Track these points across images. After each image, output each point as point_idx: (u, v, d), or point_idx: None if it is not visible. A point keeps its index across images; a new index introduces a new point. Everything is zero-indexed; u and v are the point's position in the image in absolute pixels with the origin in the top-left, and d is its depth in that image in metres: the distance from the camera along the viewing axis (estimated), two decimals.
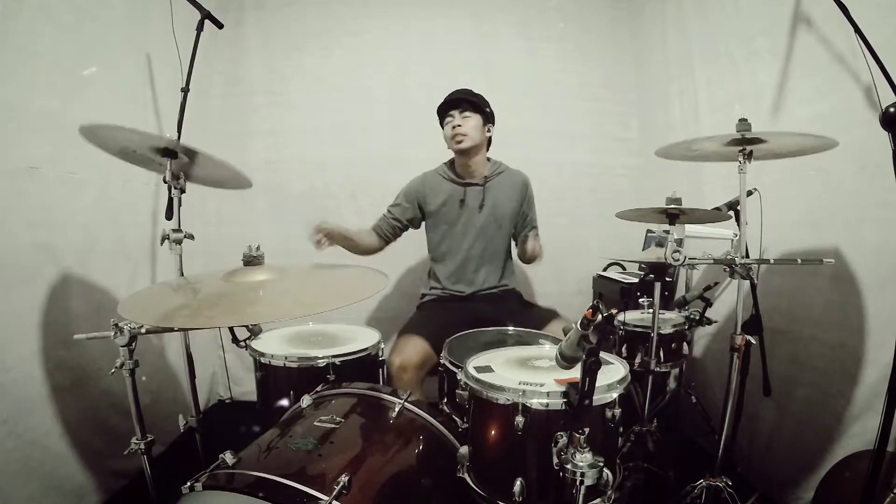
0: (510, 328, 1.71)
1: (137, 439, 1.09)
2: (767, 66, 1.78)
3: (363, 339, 1.66)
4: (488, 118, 1.99)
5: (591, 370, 0.87)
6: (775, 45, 1.73)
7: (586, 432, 0.88)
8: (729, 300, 1.86)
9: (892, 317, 1.38)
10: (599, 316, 0.84)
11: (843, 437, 1.48)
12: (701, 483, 1.51)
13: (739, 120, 1.34)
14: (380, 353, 1.64)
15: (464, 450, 1.16)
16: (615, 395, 1.05)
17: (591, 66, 2.75)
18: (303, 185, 2.63)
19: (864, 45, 1.31)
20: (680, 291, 2.20)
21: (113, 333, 0.99)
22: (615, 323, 1.01)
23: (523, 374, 1.13)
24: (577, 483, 0.87)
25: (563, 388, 0.99)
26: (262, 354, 1.52)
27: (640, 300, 2.01)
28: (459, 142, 1.93)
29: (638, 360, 1.80)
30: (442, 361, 1.47)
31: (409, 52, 2.66)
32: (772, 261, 1.48)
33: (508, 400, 1.02)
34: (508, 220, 2.03)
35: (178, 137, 1.76)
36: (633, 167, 2.78)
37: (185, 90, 1.89)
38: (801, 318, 1.69)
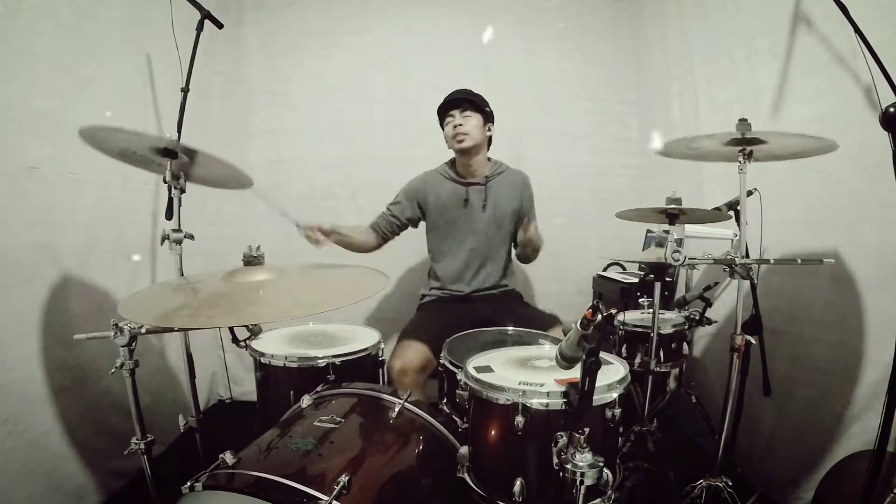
0: (510, 328, 1.71)
1: (137, 439, 1.09)
2: (767, 66, 1.78)
3: (363, 339, 1.66)
4: (488, 117, 2.00)
5: (591, 370, 0.87)
6: (775, 45, 1.73)
7: (586, 432, 0.88)
8: (729, 300, 1.86)
9: (892, 317, 1.37)
10: (599, 316, 0.84)
11: (843, 437, 1.48)
12: (701, 483, 1.51)
13: (739, 120, 1.34)
14: (380, 353, 1.64)
15: (464, 450, 1.16)
16: (615, 395, 1.05)
17: (591, 66, 2.75)
18: (303, 185, 2.63)
19: (864, 45, 1.31)
20: (680, 291, 2.20)
21: (113, 333, 0.99)
22: (615, 323, 1.01)
23: (523, 374, 1.13)
24: (577, 483, 0.87)
25: (563, 388, 0.99)
26: (262, 354, 1.52)
27: (640, 300, 2.01)
28: (461, 141, 1.93)
29: (638, 360, 1.80)
30: (442, 361, 1.47)
31: (409, 52, 2.66)
32: (772, 261, 1.48)
33: (508, 400, 1.02)
34: (509, 219, 2.03)
35: (178, 137, 1.76)
36: (633, 167, 2.78)
37: (185, 90, 1.89)
38: (801, 318, 1.69)
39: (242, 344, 1.35)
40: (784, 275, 1.76)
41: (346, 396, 1.28)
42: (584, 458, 0.87)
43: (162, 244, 1.50)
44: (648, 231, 2.31)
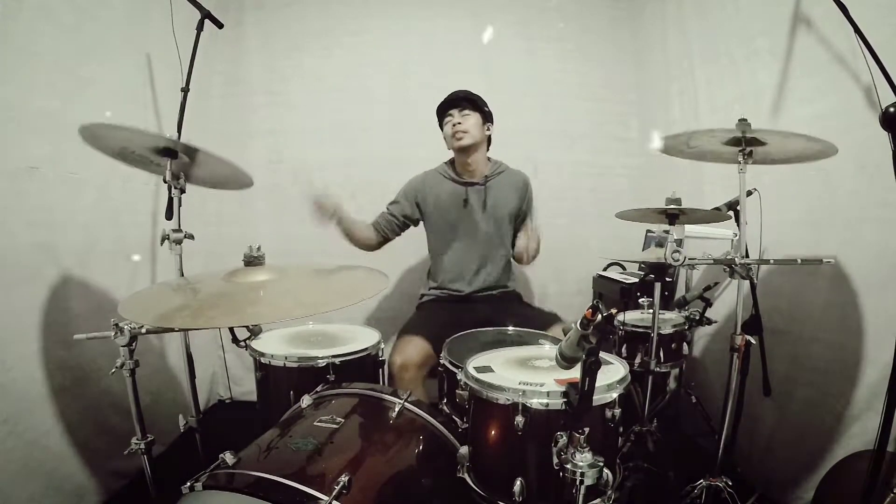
0: (510, 328, 1.71)
1: (137, 439, 1.09)
2: (767, 66, 1.78)
3: (363, 339, 1.67)
4: (487, 117, 2.00)
5: (591, 370, 0.87)
6: (775, 45, 1.73)
7: (586, 432, 0.88)
8: (729, 300, 1.86)
9: (892, 317, 1.37)
10: (599, 316, 0.84)
11: (843, 437, 1.48)
12: (701, 483, 1.52)
13: (739, 120, 1.34)
14: (380, 353, 1.64)
15: (464, 450, 1.16)
16: (615, 395, 1.05)
17: (591, 66, 2.75)
18: (303, 185, 2.63)
19: (864, 45, 1.31)
20: (680, 291, 2.20)
21: (113, 333, 0.99)
22: (615, 323, 1.01)
23: (523, 374, 1.13)
24: (577, 483, 0.87)
25: (563, 388, 0.99)
26: (262, 354, 1.52)
27: (640, 300, 2.01)
28: (460, 139, 1.93)
29: (638, 360, 1.80)
30: (442, 361, 1.46)
31: (409, 52, 2.66)
32: (772, 261, 1.48)
33: (508, 400, 1.02)
34: (508, 219, 2.03)
35: (178, 137, 1.76)
36: (633, 167, 2.78)
37: (185, 90, 1.89)
38: (801, 318, 1.68)
39: (242, 344, 1.35)
40: (784, 275, 1.76)
41: (346, 396, 1.28)
42: (584, 458, 0.87)
43: (162, 244, 1.50)
44: (648, 231, 2.31)
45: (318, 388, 1.31)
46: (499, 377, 1.11)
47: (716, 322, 1.84)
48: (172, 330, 1.14)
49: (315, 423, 1.11)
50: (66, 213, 1.63)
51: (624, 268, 2.53)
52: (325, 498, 0.85)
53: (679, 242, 1.50)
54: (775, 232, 1.64)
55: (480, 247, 2.01)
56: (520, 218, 2.07)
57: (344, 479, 0.89)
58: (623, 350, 1.84)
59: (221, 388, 2.68)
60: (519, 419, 1.00)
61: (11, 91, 1.42)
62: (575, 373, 0.91)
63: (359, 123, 2.63)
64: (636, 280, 2.20)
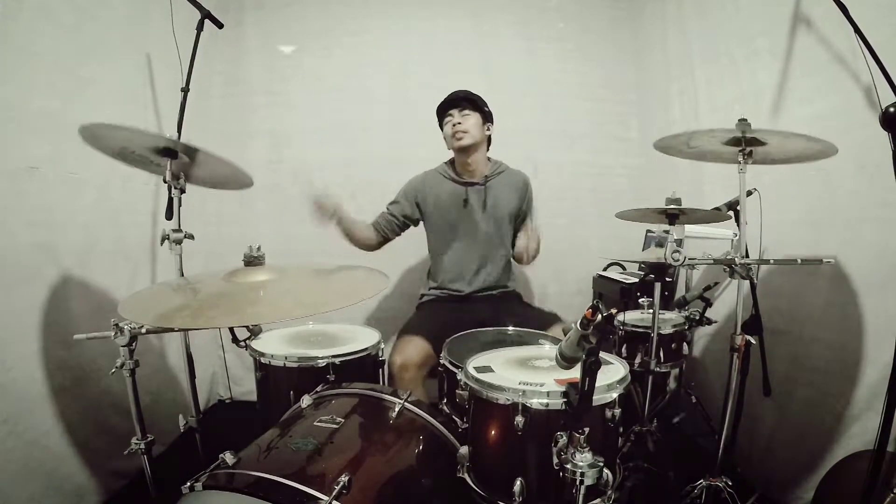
0: (510, 328, 1.71)
1: (137, 439, 1.09)
2: (767, 66, 1.78)
3: (363, 339, 1.67)
4: (487, 117, 2.00)
5: (591, 370, 0.87)
6: (775, 45, 1.73)
7: (586, 432, 0.88)
8: (729, 300, 1.86)
9: (892, 317, 1.37)
10: (599, 316, 0.84)
11: (843, 437, 1.48)
12: (701, 483, 1.52)
13: (739, 120, 1.34)
14: (380, 353, 1.64)
15: (464, 450, 1.16)
16: (615, 395, 1.05)
17: (591, 66, 2.75)
18: (303, 185, 2.63)
19: (864, 45, 1.31)
20: (680, 291, 2.20)
21: (113, 333, 0.99)
22: (615, 323, 1.01)
23: (523, 374, 1.13)
24: (577, 483, 0.87)
25: (563, 388, 0.99)
26: (262, 354, 1.52)
27: (640, 300, 2.01)
28: (460, 138, 1.93)
29: (638, 360, 1.80)
30: (442, 362, 1.46)
31: (409, 52, 2.66)
32: (772, 261, 1.48)
33: (508, 400, 1.02)
34: (509, 219, 2.03)
35: (178, 137, 1.76)
36: (633, 167, 2.78)
37: (185, 90, 1.89)
38: (801, 318, 1.68)
39: (242, 344, 1.35)
40: (784, 275, 1.76)
41: (345, 396, 1.28)
42: (584, 458, 0.87)
43: (162, 244, 1.50)
44: (648, 231, 2.31)
45: (318, 388, 1.31)
46: (499, 377, 1.11)
47: (716, 322, 1.84)
48: (172, 330, 1.14)
49: (315, 423, 1.11)
50: (66, 213, 1.63)
51: (624, 268, 2.53)
52: (325, 498, 0.85)
53: (679, 242, 1.50)
54: (775, 232, 1.64)
55: (480, 247, 2.01)
56: (520, 218, 2.07)
57: (344, 479, 0.89)
58: (623, 350, 1.84)
59: (221, 388, 2.68)
60: (519, 419, 1.00)
61: (11, 91, 1.42)
62: (575, 373, 0.91)
63: (359, 123, 2.63)
64: (636, 280, 2.20)
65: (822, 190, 1.61)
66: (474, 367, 1.17)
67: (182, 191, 1.46)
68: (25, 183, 1.47)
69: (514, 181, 2.05)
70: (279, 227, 2.61)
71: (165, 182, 1.40)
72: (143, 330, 0.99)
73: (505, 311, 1.89)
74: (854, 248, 1.50)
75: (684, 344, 1.84)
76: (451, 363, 1.42)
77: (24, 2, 1.45)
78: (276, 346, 1.58)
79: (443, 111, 2.01)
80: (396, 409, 1.20)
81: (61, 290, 1.59)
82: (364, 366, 1.56)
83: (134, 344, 1.02)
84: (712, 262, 1.48)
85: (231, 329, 1.27)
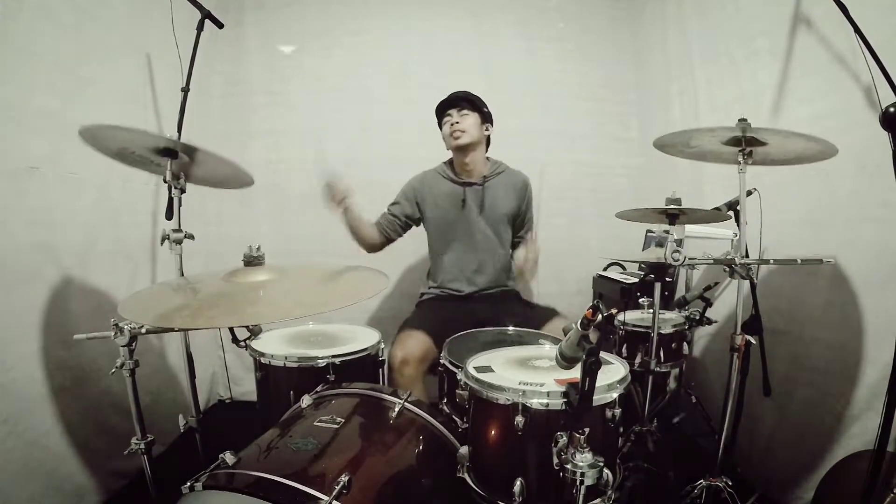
0: (510, 328, 1.71)
1: (137, 439, 1.09)
2: (767, 66, 1.78)
3: (363, 339, 1.67)
4: (486, 117, 2.00)
5: (591, 370, 0.87)
6: (775, 45, 1.73)
7: (586, 432, 0.88)
8: (729, 300, 1.86)
9: (892, 317, 1.37)
10: (599, 316, 0.84)
11: (843, 437, 1.48)
12: (701, 483, 1.52)
13: (739, 120, 1.34)
14: (380, 353, 1.64)
15: (464, 450, 1.16)
16: (615, 395, 1.05)
17: (591, 66, 2.75)
18: (303, 185, 2.63)
19: (864, 45, 1.31)
20: (680, 291, 2.20)
21: (113, 333, 0.99)
22: (615, 323, 1.01)
23: (523, 374, 1.13)
24: (577, 483, 0.87)
25: (563, 388, 0.99)
26: (262, 354, 1.52)
27: (640, 300, 2.01)
28: (457, 137, 1.93)
29: (638, 360, 1.80)
30: (442, 361, 1.47)
31: (409, 52, 2.66)
32: (772, 261, 1.48)
33: (508, 400, 1.02)
34: (507, 220, 2.03)
35: (178, 137, 1.76)
36: (633, 167, 2.78)
37: (185, 90, 1.89)
38: (801, 318, 1.69)
39: (242, 344, 1.35)
40: (784, 275, 1.76)
41: (345, 396, 1.28)
42: (584, 458, 0.87)
43: (162, 244, 1.50)
44: (648, 231, 2.31)
45: (318, 388, 1.31)
46: (499, 377, 1.11)
47: (716, 322, 1.84)
48: (172, 330, 1.14)
49: (315, 423, 1.11)
50: (66, 213, 1.63)
51: (624, 268, 2.53)
52: (325, 498, 0.85)
53: (679, 242, 1.50)
54: (775, 232, 1.64)
55: (479, 247, 2.01)
56: (519, 218, 2.07)
57: (344, 479, 0.89)
58: (623, 350, 1.84)
59: (221, 388, 2.68)
60: (519, 419, 1.00)
61: (11, 91, 1.42)
62: (575, 373, 0.91)
63: (359, 123, 2.63)
64: (636, 280, 2.20)
65: (822, 190, 1.61)
66: (474, 367, 1.17)
67: (182, 191, 1.46)
68: (25, 183, 1.47)
69: (513, 182, 2.04)
70: (279, 227, 2.62)
71: (165, 182, 1.40)
72: (143, 330, 0.99)
73: (504, 310, 1.90)
74: (854, 248, 1.50)
75: (684, 344, 1.84)
76: (451, 363, 1.42)
77: (24, 2, 1.45)
78: (276, 346, 1.58)
79: (442, 111, 2.01)
80: (396, 409, 1.20)
81: (61, 290, 1.58)
82: (364, 366, 1.56)
83: (134, 344, 1.02)
84: (712, 262, 1.48)
85: (231, 329, 1.27)
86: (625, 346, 1.84)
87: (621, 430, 1.21)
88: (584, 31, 2.74)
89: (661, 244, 1.95)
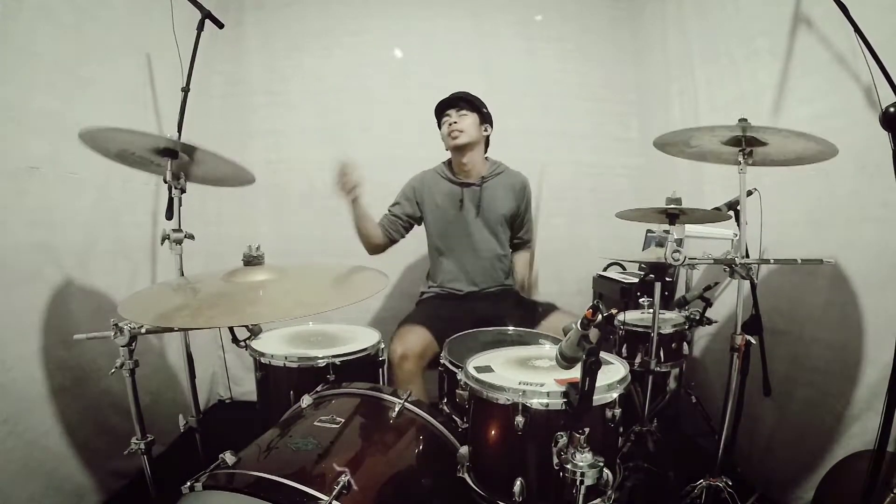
0: (510, 328, 1.71)
1: (137, 439, 1.09)
2: (767, 66, 1.78)
3: (363, 339, 1.67)
4: (485, 118, 2.00)
5: (591, 370, 0.87)
6: (775, 45, 1.73)
7: (586, 432, 0.88)
8: (729, 300, 1.86)
9: (892, 317, 1.37)
10: (599, 316, 0.84)
11: (843, 437, 1.48)
12: (701, 483, 1.51)
13: (739, 119, 1.34)
14: (380, 353, 1.64)
15: (464, 450, 1.16)
16: (615, 395, 1.05)
17: (591, 66, 2.75)
18: (303, 185, 2.63)
19: (864, 45, 1.31)
20: (680, 291, 2.20)
21: (113, 333, 0.99)
22: (615, 323, 1.01)
23: (523, 374, 1.13)
24: (577, 483, 0.87)
25: (563, 388, 0.99)
26: (262, 354, 1.52)
27: (640, 300, 2.01)
28: (455, 137, 1.93)
29: (638, 360, 1.80)
30: (442, 361, 1.47)
31: (409, 52, 2.66)
32: (772, 261, 1.48)
33: (508, 400, 1.02)
34: (504, 221, 2.04)
35: (179, 137, 1.76)
36: (633, 167, 2.78)
37: (186, 90, 1.89)
38: (801, 318, 1.68)
39: (242, 344, 1.35)
40: (784, 275, 1.75)
41: (345, 396, 1.28)
42: (584, 458, 0.87)
43: (162, 244, 1.50)
44: (648, 231, 2.31)
45: (318, 388, 1.31)
46: (499, 377, 1.11)
47: (716, 322, 1.84)
48: (172, 330, 1.14)
49: (315, 423, 1.11)
50: (66, 213, 1.63)
51: (624, 268, 2.53)
52: (325, 498, 0.85)
53: (679, 242, 1.50)
54: (775, 232, 1.64)
55: (477, 247, 2.01)
56: (518, 219, 2.07)
57: (344, 479, 0.89)
58: (623, 350, 1.84)
59: (221, 388, 2.68)
60: (519, 419, 1.00)
61: (11, 91, 1.42)
62: (575, 373, 0.91)
63: (359, 123, 2.63)
64: (636, 280, 2.20)
65: (822, 190, 1.61)
66: (474, 367, 1.17)
67: (182, 190, 1.46)
68: (25, 183, 1.47)
69: (511, 183, 2.04)
70: (279, 227, 2.62)
71: (166, 182, 1.40)
72: (143, 330, 0.99)
73: (504, 309, 1.90)
74: (854, 248, 1.50)
75: (684, 344, 1.84)
76: (451, 363, 1.42)
77: (24, 2, 1.45)
78: (276, 346, 1.58)
79: (441, 111, 2.01)
80: (396, 409, 1.20)
81: (61, 290, 1.58)
82: (364, 366, 1.56)
83: (134, 344, 1.02)
84: (712, 262, 1.48)
85: (231, 329, 1.27)
86: (625, 346, 1.84)
87: (621, 430, 1.21)
88: (584, 31, 2.74)
89: (661, 244, 1.95)
